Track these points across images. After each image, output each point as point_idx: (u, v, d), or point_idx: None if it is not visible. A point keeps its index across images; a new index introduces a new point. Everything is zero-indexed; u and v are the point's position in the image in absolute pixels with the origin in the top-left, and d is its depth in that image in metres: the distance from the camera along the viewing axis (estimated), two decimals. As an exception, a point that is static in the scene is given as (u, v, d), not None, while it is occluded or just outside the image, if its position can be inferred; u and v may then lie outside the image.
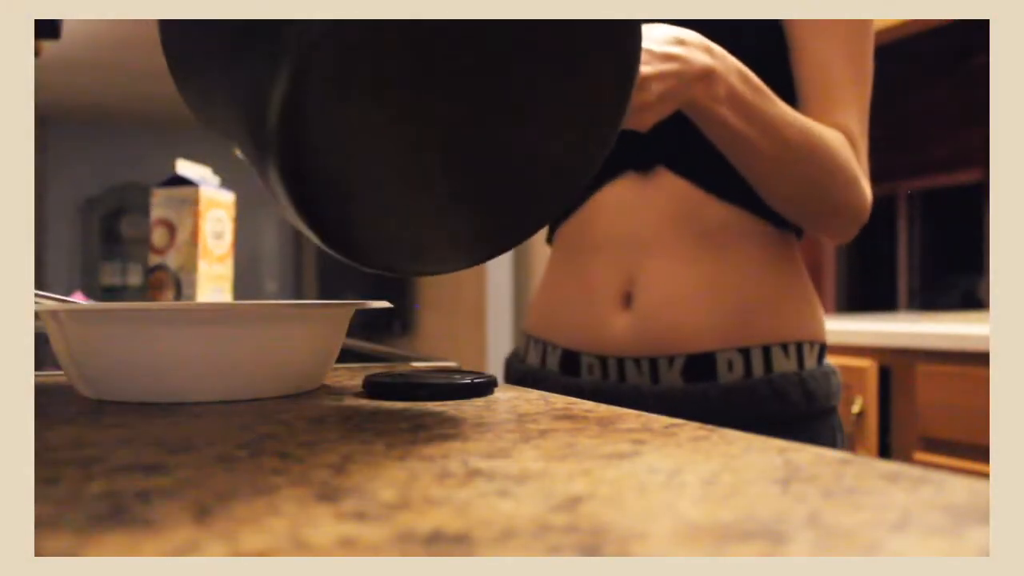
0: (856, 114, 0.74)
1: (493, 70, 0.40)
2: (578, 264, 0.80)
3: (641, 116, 0.60)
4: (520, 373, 0.86)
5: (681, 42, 0.62)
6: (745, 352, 0.73)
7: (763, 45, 0.75)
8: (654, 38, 0.61)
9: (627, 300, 0.76)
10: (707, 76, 0.62)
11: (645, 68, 0.59)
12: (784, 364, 0.74)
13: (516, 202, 0.45)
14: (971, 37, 2.16)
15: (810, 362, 0.76)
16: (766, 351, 0.73)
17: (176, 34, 0.45)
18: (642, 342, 0.74)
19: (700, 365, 0.73)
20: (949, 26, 2.03)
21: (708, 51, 0.63)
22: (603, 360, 0.77)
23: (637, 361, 0.75)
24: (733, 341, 0.73)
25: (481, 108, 0.41)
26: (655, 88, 0.59)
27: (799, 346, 0.75)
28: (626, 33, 0.42)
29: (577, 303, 0.79)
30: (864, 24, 0.74)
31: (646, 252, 0.76)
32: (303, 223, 0.40)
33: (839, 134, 0.71)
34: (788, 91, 0.76)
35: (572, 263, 0.81)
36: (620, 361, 0.75)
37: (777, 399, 0.72)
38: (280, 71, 0.36)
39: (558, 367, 0.81)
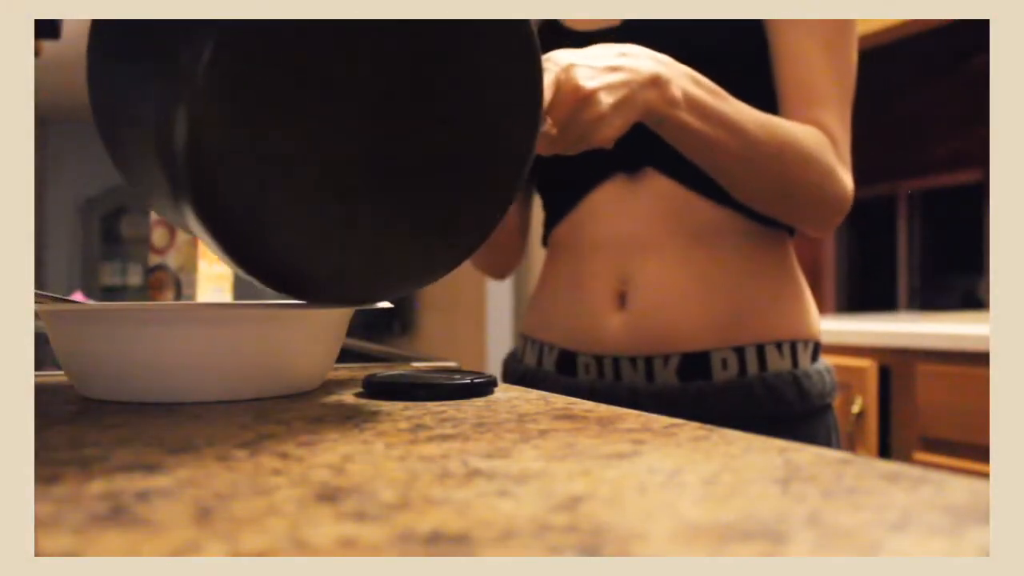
0: (835, 109, 0.73)
1: (394, 75, 0.40)
2: (573, 265, 0.81)
3: (598, 130, 0.60)
4: (518, 373, 0.86)
5: (623, 55, 0.62)
6: (739, 351, 0.74)
7: (744, 47, 0.75)
8: (595, 55, 0.61)
9: (621, 300, 0.77)
10: (656, 81, 0.62)
11: (591, 83, 0.59)
12: (778, 363, 0.74)
13: (450, 214, 0.44)
14: (971, 37, 2.16)
15: (804, 360, 0.76)
16: (760, 350, 0.74)
17: (96, 77, 0.44)
18: (637, 341, 0.75)
19: (694, 364, 0.73)
20: (949, 26, 2.03)
21: (653, 59, 0.63)
22: (599, 360, 0.77)
23: (632, 360, 0.75)
24: (727, 340, 0.74)
25: (391, 115, 0.40)
26: (605, 100, 0.59)
27: (793, 344, 0.75)
28: (512, 31, 0.42)
29: (572, 304, 0.80)
30: (844, 20, 0.74)
31: (639, 253, 0.76)
32: (235, 265, 0.39)
33: (811, 128, 0.71)
34: (769, 95, 0.76)
35: (567, 264, 0.82)
36: (616, 360, 0.76)
37: (771, 397, 0.73)
38: (179, 97, 0.35)
39: (554, 367, 0.81)
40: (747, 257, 0.76)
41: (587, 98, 0.59)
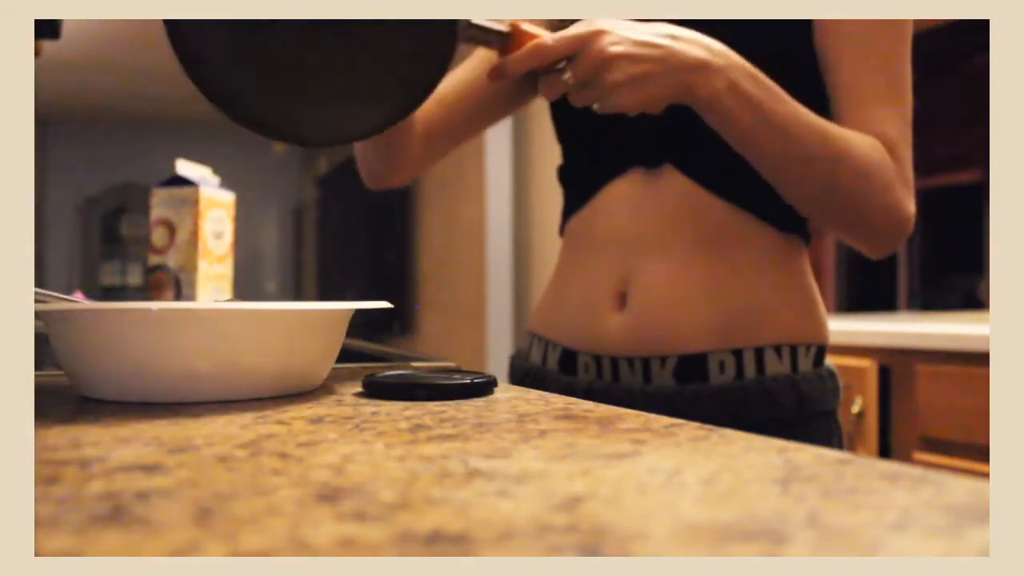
0: (895, 119, 0.71)
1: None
2: (580, 262, 0.80)
3: (615, 95, 0.62)
4: (521, 371, 0.86)
5: (673, 37, 0.63)
6: (737, 354, 0.73)
7: (790, 50, 0.73)
8: (642, 29, 0.62)
9: (622, 300, 0.76)
10: (702, 68, 0.62)
11: (615, 48, 0.61)
12: (776, 366, 0.73)
13: (375, 84, 0.64)
14: (971, 37, 2.16)
15: (805, 365, 0.75)
16: (758, 353, 0.73)
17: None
18: (635, 342, 0.74)
19: (692, 366, 0.73)
20: (949, 26, 2.03)
21: (705, 48, 0.63)
22: (598, 360, 0.76)
23: (630, 361, 0.74)
24: (725, 343, 0.73)
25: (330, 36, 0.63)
26: (626, 69, 0.61)
27: (793, 348, 0.74)
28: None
29: (576, 302, 0.79)
30: (894, 26, 0.72)
31: (643, 252, 0.75)
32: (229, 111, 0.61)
33: (872, 139, 0.69)
34: (819, 96, 0.73)
35: (575, 260, 0.81)
36: (614, 361, 0.75)
37: (767, 401, 0.72)
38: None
39: (557, 366, 0.81)
40: (755, 261, 0.75)
41: (607, 62, 0.61)
